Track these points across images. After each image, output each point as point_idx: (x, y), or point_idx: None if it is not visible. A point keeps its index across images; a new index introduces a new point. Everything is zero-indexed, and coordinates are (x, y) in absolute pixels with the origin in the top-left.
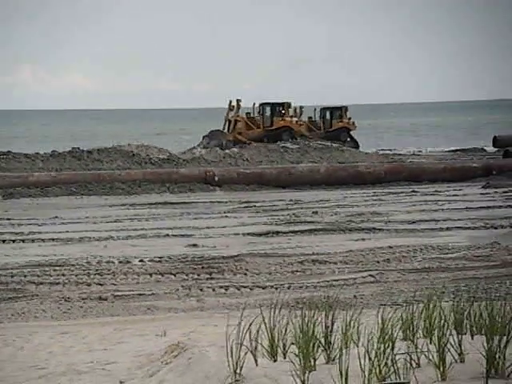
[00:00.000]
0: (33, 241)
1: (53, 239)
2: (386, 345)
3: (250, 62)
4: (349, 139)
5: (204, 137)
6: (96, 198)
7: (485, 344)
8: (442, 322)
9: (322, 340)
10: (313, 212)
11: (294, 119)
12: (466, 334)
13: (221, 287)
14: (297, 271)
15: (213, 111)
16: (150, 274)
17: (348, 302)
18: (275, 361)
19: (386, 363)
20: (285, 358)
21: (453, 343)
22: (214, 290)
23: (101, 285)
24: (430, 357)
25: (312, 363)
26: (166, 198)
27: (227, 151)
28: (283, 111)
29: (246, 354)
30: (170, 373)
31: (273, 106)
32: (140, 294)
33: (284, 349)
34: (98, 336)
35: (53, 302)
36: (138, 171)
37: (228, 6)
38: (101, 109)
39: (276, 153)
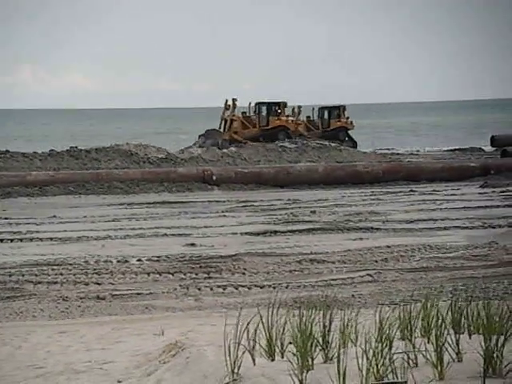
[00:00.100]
0: (31, 240)
1: (51, 238)
2: (384, 344)
3: (250, 61)
4: (347, 139)
5: (200, 136)
6: (94, 197)
7: (482, 343)
8: (440, 321)
9: (320, 339)
10: (311, 211)
11: (290, 118)
12: (463, 333)
13: (219, 286)
14: (295, 270)
15: (213, 111)
16: (148, 274)
17: (346, 301)
18: (273, 360)
19: (383, 362)
20: (283, 357)
21: (450, 342)
22: (211, 289)
23: (99, 284)
24: (428, 356)
25: (310, 362)
26: (164, 197)
27: (225, 150)
28: (279, 111)
29: (243, 353)
30: (168, 372)
31: (269, 105)
32: (138, 294)
33: (282, 348)
34: (96, 335)
35: (51, 302)
36: (136, 170)
37: (228, 5)
38: (101, 108)
39: (274, 152)
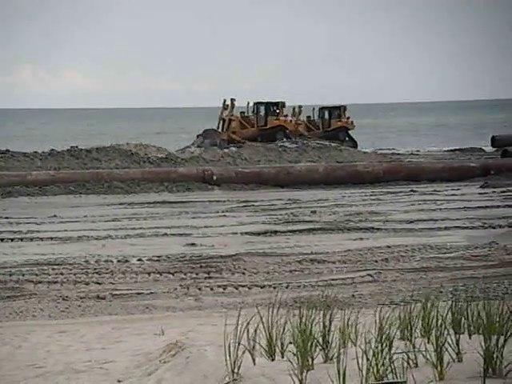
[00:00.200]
0: (31, 239)
1: (51, 238)
2: (384, 344)
3: (250, 61)
4: (347, 139)
5: (198, 136)
6: (94, 196)
7: (482, 343)
8: (440, 321)
9: (320, 339)
10: (311, 211)
11: (289, 118)
12: (463, 333)
13: (219, 286)
14: (295, 270)
15: (213, 111)
16: (149, 273)
17: (346, 301)
18: (273, 360)
19: (383, 362)
20: (283, 357)
21: (450, 343)
22: (212, 289)
23: (99, 284)
24: (428, 356)
25: (310, 362)
26: (164, 197)
27: (226, 150)
28: (277, 110)
29: (243, 353)
30: (168, 372)
31: (267, 105)
32: (138, 293)
33: (282, 348)
34: (96, 335)
35: (51, 301)
36: (136, 170)
37: (228, 5)
38: (101, 108)
39: (274, 152)
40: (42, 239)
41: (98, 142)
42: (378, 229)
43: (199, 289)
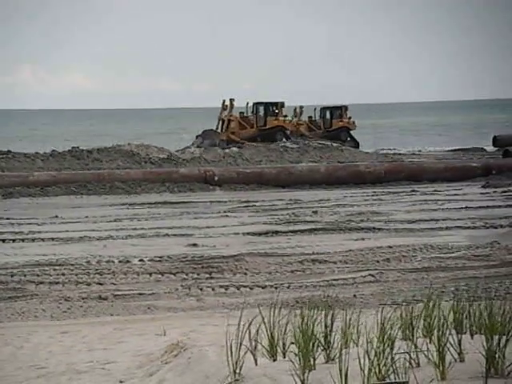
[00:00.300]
0: (33, 240)
1: (52, 239)
2: (386, 344)
3: (250, 61)
4: (349, 139)
5: (197, 136)
6: (96, 197)
7: (484, 343)
8: (442, 321)
9: (322, 339)
10: (313, 211)
11: (288, 119)
12: (465, 333)
13: (220, 287)
14: (296, 271)
15: (213, 111)
16: (150, 274)
17: (348, 301)
18: (275, 360)
19: (385, 363)
20: (284, 357)
21: (452, 343)
22: (213, 289)
23: (101, 284)
24: (430, 356)
25: (312, 362)
26: (165, 197)
27: (227, 151)
28: (277, 111)
29: (245, 353)
30: (170, 372)
31: (266, 105)
32: (140, 294)
33: (284, 348)
34: (98, 335)
35: (52, 302)
36: (137, 171)
37: (228, 6)
38: (101, 108)
39: (276, 152)
40: (43, 240)
41: (99, 143)
42: (379, 229)
43: (201, 289)
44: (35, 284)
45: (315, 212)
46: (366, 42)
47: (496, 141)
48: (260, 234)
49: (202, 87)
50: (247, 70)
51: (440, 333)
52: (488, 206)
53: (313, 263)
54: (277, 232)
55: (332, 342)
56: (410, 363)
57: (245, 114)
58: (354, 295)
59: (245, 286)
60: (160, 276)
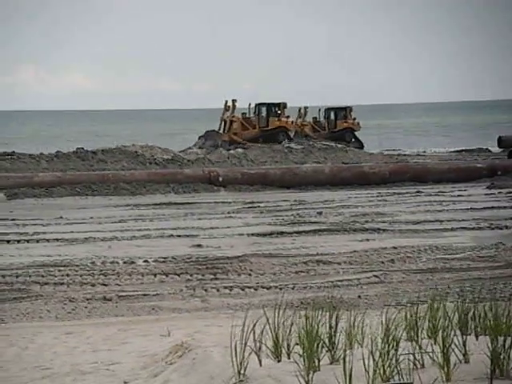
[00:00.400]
0: (37, 241)
1: (57, 239)
2: (390, 345)
3: (250, 61)
4: (353, 140)
5: (200, 137)
6: (100, 198)
7: (489, 345)
8: (447, 322)
9: (327, 340)
10: (317, 212)
11: (290, 119)
12: (470, 334)
13: (225, 287)
14: (301, 272)
15: (214, 112)
16: (155, 275)
17: (352, 302)
18: (279, 361)
19: (390, 364)
20: (289, 358)
21: (457, 344)
22: (218, 290)
23: (105, 285)
24: (435, 357)
25: (316, 363)
26: (170, 198)
27: (231, 152)
28: (279, 111)
29: (250, 354)
30: (175, 373)
31: (268, 106)
32: (144, 295)
33: (288, 349)
34: (103, 336)
35: (57, 303)
36: (142, 172)
37: (228, 6)
38: (102, 109)
39: (280, 153)
40: (48, 241)
41: (102, 144)
42: (384, 230)
43: (205, 290)
44: (40, 285)
45: (320, 213)
46: (366, 42)
47: (501, 141)
48: (264, 235)
49: (202, 87)
50: (247, 70)
51: (445, 334)
52: (493, 207)
53: (317, 264)
54: (281, 233)
55: (336, 342)
56: (415, 364)
57: (247, 115)
58: (359, 296)
59: (249, 287)
60: (164, 277)
